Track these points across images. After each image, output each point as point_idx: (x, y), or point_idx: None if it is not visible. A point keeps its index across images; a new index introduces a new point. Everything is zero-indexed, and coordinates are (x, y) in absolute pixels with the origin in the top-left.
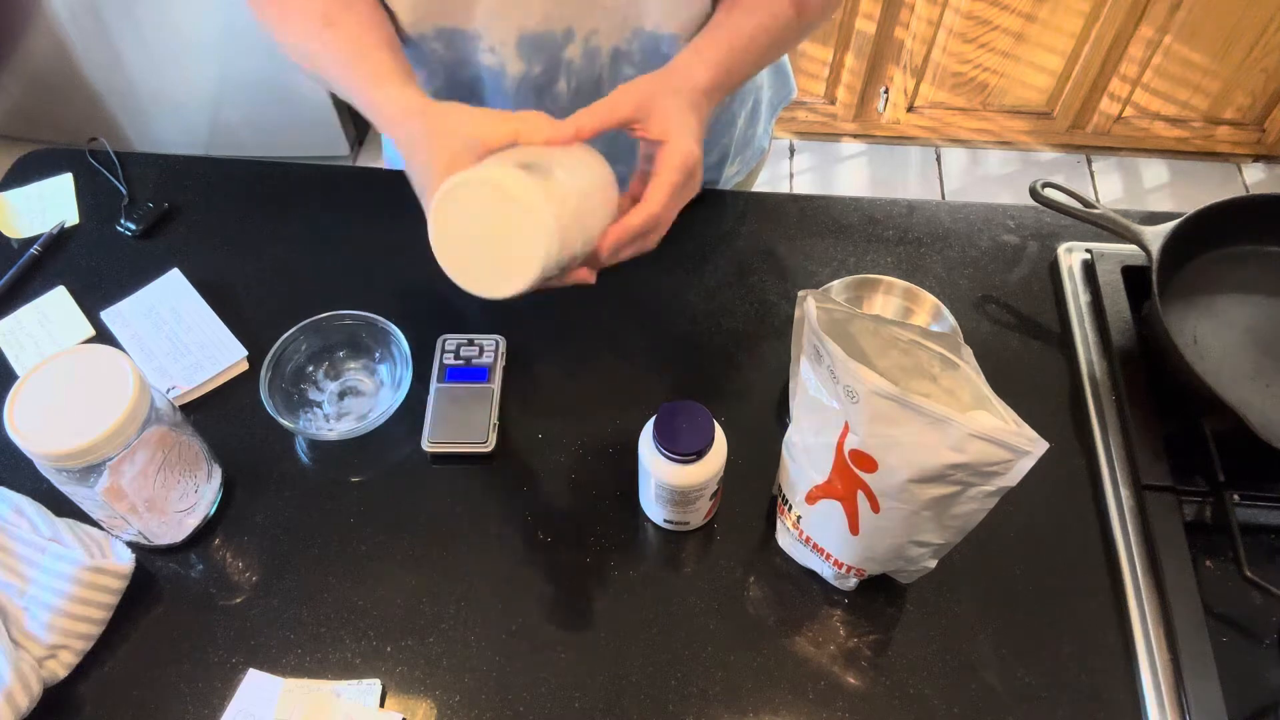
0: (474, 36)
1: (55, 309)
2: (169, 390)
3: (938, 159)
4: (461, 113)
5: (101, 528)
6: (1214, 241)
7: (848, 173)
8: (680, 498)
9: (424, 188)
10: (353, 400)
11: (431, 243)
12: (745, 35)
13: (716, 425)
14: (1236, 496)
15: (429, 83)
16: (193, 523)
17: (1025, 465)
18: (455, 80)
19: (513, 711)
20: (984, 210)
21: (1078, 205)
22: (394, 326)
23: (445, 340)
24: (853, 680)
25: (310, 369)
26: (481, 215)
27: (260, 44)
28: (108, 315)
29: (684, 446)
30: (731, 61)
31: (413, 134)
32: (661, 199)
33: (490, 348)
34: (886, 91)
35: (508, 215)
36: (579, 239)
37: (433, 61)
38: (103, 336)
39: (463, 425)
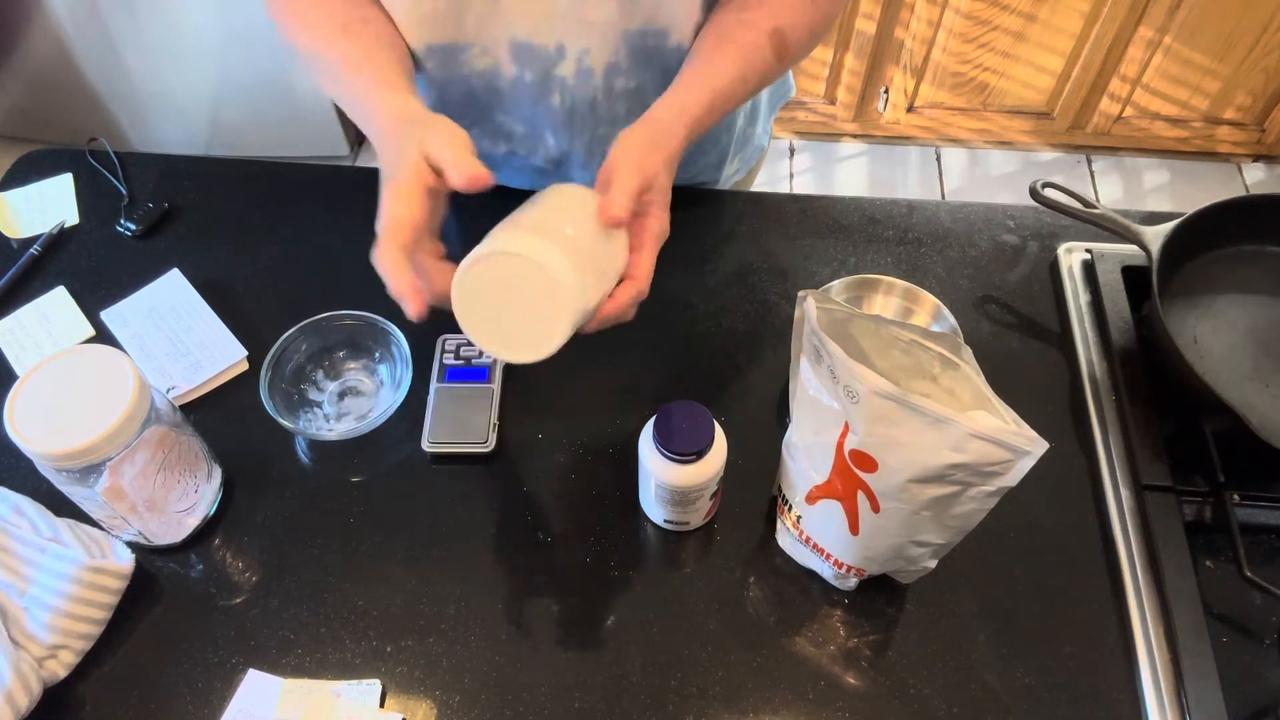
0: (464, 47)
1: (55, 309)
2: (169, 390)
3: (938, 159)
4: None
5: (101, 528)
6: (1214, 241)
7: (847, 173)
8: (680, 498)
9: (390, 170)
10: (353, 400)
11: (458, 319)
12: (726, 82)
13: (716, 425)
14: (1236, 496)
15: (424, 96)
16: (193, 523)
17: (1025, 465)
18: (449, 98)
19: (513, 711)
20: (984, 210)
21: (1078, 205)
22: (394, 326)
23: (445, 340)
24: (853, 680)
25: (310, 369)
26: (507, 287)
27: (260, 44)
28: (108, 315)
29: (684, 446)
30: (710, 115)
31: (401, 140)
32: (647, 272)
33: None
34: (886, 91)
35: (534, 285)
36: (597, 292)
37: (427, 79)
38: (103, 336)
39: (463, 425)
